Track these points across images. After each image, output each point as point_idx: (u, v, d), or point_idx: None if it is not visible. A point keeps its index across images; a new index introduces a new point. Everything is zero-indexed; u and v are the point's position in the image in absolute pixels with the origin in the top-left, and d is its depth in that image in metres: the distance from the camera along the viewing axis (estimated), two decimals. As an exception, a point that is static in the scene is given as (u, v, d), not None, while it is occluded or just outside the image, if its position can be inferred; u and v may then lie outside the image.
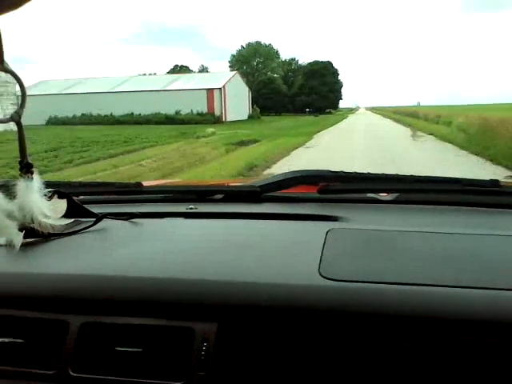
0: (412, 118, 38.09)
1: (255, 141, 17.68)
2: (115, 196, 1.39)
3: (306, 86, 68.47)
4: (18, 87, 0.93)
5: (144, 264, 0.88)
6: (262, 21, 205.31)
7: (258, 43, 76.30)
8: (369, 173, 1.24)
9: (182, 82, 41.85)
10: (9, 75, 0.86)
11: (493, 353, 0.69)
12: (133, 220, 1.14)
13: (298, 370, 0.72)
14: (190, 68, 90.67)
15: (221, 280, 0.80)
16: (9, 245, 0.95)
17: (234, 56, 76.87)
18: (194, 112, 38.54)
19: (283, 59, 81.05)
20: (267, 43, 77.11)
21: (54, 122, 36.91)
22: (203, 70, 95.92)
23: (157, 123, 35.20)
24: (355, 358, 0.72)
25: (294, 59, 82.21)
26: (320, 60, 70.86)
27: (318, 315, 0.73)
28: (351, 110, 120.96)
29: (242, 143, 16.81)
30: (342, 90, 75.90)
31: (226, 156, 13.46)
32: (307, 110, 61.68)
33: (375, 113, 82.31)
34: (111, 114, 38.57)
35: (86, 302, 0.81)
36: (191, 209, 1.24)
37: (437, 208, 1.20)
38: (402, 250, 0.89)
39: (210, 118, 37.30)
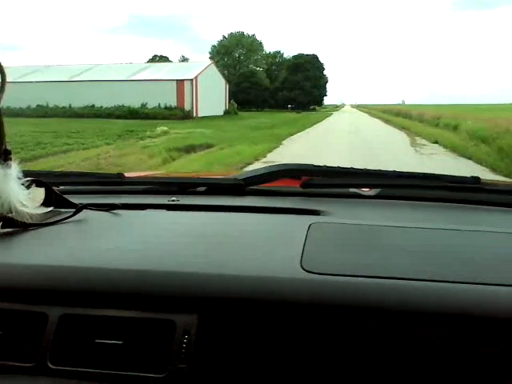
0: (403, 118, 34.70)
1: (208, 146, 14.16)
2: (96, 187, 1.37)
3: (289, 81, 64.86)
4: None
5: (124, 256, 0.87)
6: (246, 11, 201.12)
7: (241, 34, 72.34)
8: (352, 168, 1.25)
9: (149, 71, 37.98)
10: None
11: (473, 346, 0.70)
12: (114, 211, 1.12)
13: (279, 362, 0.73)
14: (170, 59, 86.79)
15: (202, 272, 0.80)
16: None
17: (214, 47, 72.93)
18: (162, 105, 34.88)
19: (268, 52, 77.49)
20: (250, 34, 73.34)
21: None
22: (183, 61, 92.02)
23: (119, 117, 31.64)
24: (336, 351, 0.72)
25: (278, 52, 78.57)
26: (305, 53, 67.50)
27: (299, 308, 0.74)
28: (336, 107, 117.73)
29: (191, 148, 13.31)
30: (327, 86, 72.42)
31: (157, 169, 9.93)
32: (289, 106, 58.12)
33: (361, 111, 78.99)
34: (70, 106, 34.69)
35: (65, 293, 0.79)
36: (173, 201, 1.22)
37: (419, 204, 1.21)
38: (384, 244, 0.90)
39: (179, 113, 33.70)
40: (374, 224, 1.00)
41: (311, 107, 71.12)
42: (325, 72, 69.69)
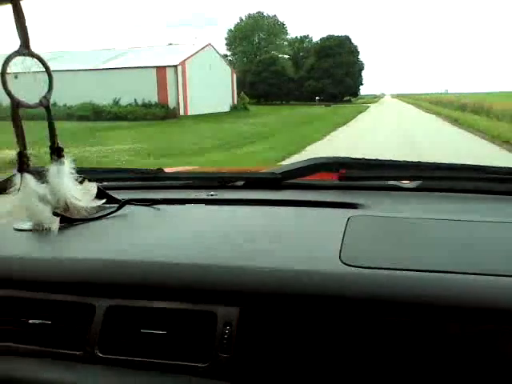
0: (465, 112, 24.61)
1: None
2: (137, 182, 1.39)
3: (316, 68, 54.89)
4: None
5: (167, 249, 0.90)
6: None
7: (260, 14, 62.77)
8: (391, 160, 1.25)
9: (125, 59, 29.12)
10: (35, 59, 0.92)
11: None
12: (155, 206, 1.15)
13: (319, 355, 0.74)
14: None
15: (242, 266, 0.81)
16: (37, 229, 0.98)
17: (231, 31, 63.64)
18: (140, 101, 26.11)
19: (294, 37, 67.68)
20: (271, 15, 63.55)
21: None
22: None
23: (81, 118, 23.13)
24: (376, 344, 0.72)
25: (306, 37, 68.59)
26: (335, 35, 57.04)
27: (339, 301, 0.74)
28: (374, 98, 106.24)
29: None
30: (363, 74, 62.02)
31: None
32: (317, 98, 48.37)
33: (404, 101, 67.79)
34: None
35: (112, 285, 0.83)
36: (212, 195, 1.23)
37: (460, 196, 1.18)
38: (423, 237, 0.89)
39: (157, 112, 24.89)
40: (413, 217, 0.99)
41: (345, 98, 60.97)
42: (360, 57, 59.38)
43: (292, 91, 56.08)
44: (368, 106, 45.35)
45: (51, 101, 0.99)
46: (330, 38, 56.13)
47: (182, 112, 26.22)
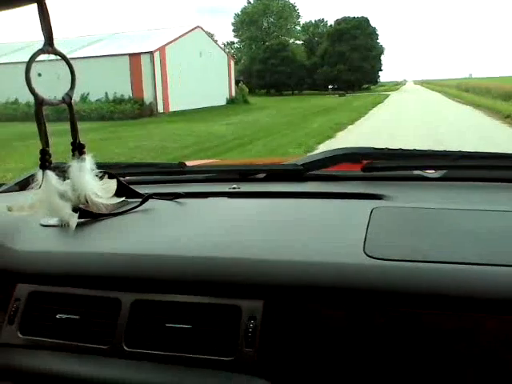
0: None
1: None
2: (159, 176, 1.39)
3: (330, 53, 49.63)
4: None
5: (190, 243, 0.91)
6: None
7: (269, -4, 57.63)
8: (415, 149, 1.21)
9: (97, 47, 24.69)
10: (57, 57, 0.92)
11: None
12: (177, 200, 1.15)
13: (343, 348, 0.74)
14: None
15: (266, 259, 0.82)
16: (62, 225, 1.00)
17: (237, 16, 58.71)
18: (111, 96, 21.79)
19: (308, 21, 62.38)
20: (281, -3, 58.13)
21: None
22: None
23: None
24: (402, 337, 0.72)
25: (322, 21, 63.10)
26: (351, 16, 51.50)
27: (363, 294, 0.74)
28: (396, 85, 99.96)
29: None
30: (383, 59, 56.48)
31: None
32: (330, 86, 43.30)
33: (429, 89, 61.79)
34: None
35: (137, 280, 0.84)
36: (234, 188, 1.23)
37: (486, 185, 1.16)
38: (449, 228, 0.87)
39: (129, 109, 20.53)
40: (439, 207, 0.97)
41: (365, 86, 55.62)
42: (379, 40, 53.85)
43: (304, 80, 51.12)
44: (387, 95, 39.95)
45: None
46: (345, 19, 50.28)
47: (161, 108, 21.76)
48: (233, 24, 58.11)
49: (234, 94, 31.02)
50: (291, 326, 0.75)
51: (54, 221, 1.03)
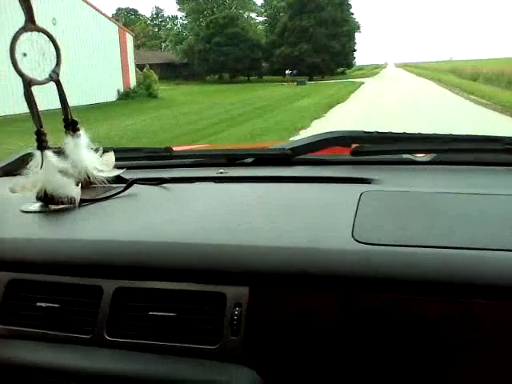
0: None
1: None
2: (145, 161, 1.36)
3: (290, 28, 39.40)
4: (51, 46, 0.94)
5: (175, 229, 0.89)
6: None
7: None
8: (404, 132, 1.20)
9: None
10: (41, 34, 0.92)
11: None
12: (163, 185, 1.13)
13: (331, 335, 0.72)
14: (140, 12, 63.18)
15: (252, 244, 0.80)
16: (43, 211, 0.99)
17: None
18: None
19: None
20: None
21: None
22: (157, 14, 67.82)
23: None
24: (390, 323, 0.71)
25: (288, -7, 52.70)
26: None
27: (351, 280, 0.73)
28: (376, 68, 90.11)
29: None
30: (362, 39, 46.27)
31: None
32: (287, 72, 33.35)
33: (413, 72, 51.53)
34: None
35: (119, 267, 0.82)
36: (221, 173, 1.21)
37: (477, 168, 1.15)
38: (438, 212, 0.87)
39: None
40: (428, 191, 0.96)
41: (340, 70, 45.80)
42: (352, 12, 43.75)
43: (260, 63, 41.19)
44: (361, 84, 30.02)
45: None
46: (309, -14, 40.32)
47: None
48: (176, -6, 47.42)
49: (132, 84, 21.07)
50: (277, 313, 0.74)
51: (34, 207, 1.00)
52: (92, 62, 18.21)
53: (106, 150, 1.10)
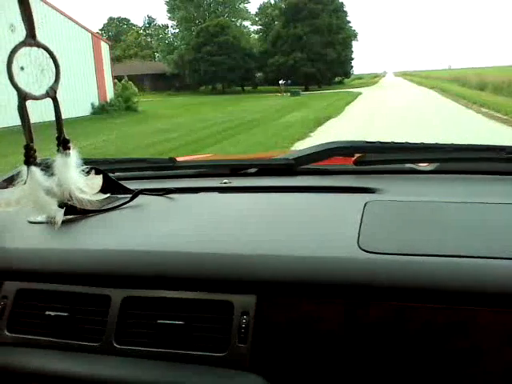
0: None
1: None
2: (149, 172, 1.37)
3: (283, 37, 37.76)
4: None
5: (182, 239, 0.90)
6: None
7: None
8: (407, 142, 1.20)
9: None
10: (41, 50, 0.92)
11: None
12: (168, 195, 1.13)
13: (338, 343, 0.73)
14: (132, 21, 62.06)
15: (258, 254, 0.81)
16: (50, 222, 0.99)
17: (171, -8, 46.44)
18: None
19: (266, 1, 50.33)
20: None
21: None
22: (149, 23, 66.39)
23: None
24: (396, 331, 0.71)
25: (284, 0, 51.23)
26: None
27: (358, 289, 0.73)
28: (375, 77, 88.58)
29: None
30: (356, 46, 44.69)
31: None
32: (281, 82, 31.67)
33: (413, 81, 49.55)
34: None
35: (127, 276, 0.83)
36: (225, 183, 1.22)
37: (479, 178, 1.15)
38: (443, 221, 0.87)
39: None
40: (432, 200, 0.97)
41: (337, 79, 44.21)
42: (349, 20, 42.18)
43: (252, 73, 39.58)
44: (358, 94, 28.32)
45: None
46: (303, -8, 38.66)
47: None
48: (166, 3, 45.88)
49: (109, 97, 19.35)
50: (284, 321, 0.74)
51: (41, 218, 1.02)
52: (73, 74, 16.51)
53: (98, 171, 1.07)
